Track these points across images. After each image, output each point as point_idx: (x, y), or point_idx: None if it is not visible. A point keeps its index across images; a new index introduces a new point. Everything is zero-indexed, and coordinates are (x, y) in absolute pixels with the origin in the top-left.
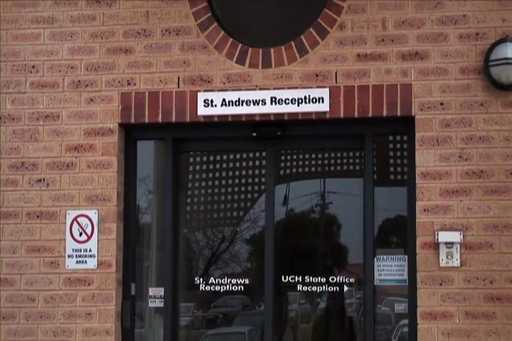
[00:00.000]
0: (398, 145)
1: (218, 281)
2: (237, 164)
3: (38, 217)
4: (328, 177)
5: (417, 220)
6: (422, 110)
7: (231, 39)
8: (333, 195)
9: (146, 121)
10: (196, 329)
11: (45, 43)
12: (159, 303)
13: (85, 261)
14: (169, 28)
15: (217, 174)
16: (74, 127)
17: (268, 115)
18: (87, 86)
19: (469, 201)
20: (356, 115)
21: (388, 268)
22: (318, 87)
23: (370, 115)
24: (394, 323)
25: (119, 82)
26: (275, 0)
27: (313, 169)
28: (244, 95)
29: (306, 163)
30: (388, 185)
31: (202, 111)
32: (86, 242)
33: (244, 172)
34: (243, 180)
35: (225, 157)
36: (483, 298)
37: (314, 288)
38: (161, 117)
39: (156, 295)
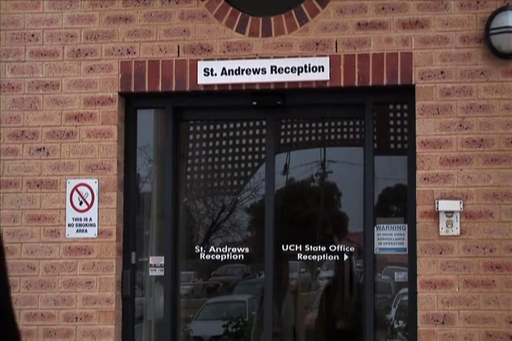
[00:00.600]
0: (398, 114)
1: (218, 250)
2: (237, 133)
3: (38, 186)
4: (328, 146)
5: (417, 189)
6: (422, 79)
7: (231, 7)
8: (333, 163)
9: (146, 89)
10: (196, 297)
11: (45, 12)
12: (159, 272)
13: (85, 230)
14: None
15: (217, 143)
16: (74, 96)
17: (268, 84)
18: (86, 54)
19: (469, 170)
20: (356, 84)
21: (388, 237)
22: (318, 55)
23: (370, 84)
24: (394, 292)
25: (119, 50)
26: None
27: (313, 138)
28: (245, 64)
29: (307, 131)
30: (388, 154)
31: (202, 80)
32: (86, 211)
33: (244, 141)
34: (243, 149)
35: (225, 126)
36: (483, 266)
37: (314, 257)
38: (161, 86)
39: (156, 264)
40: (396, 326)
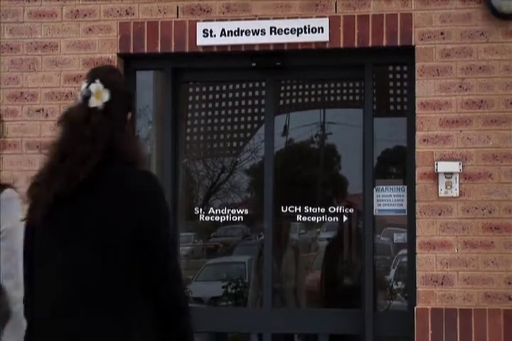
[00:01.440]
0: (398, 76)
1: (218, 211)
2: (237, 94)
3: (37, 147)
4: (327, 107)
5: (416, 150)
6: (422, 40)
7: None
8: (332, 125)
9: (145, 51)
10: (196, 258)
11: None
12: None
13: None
14: None
15: (216, 104)
16: (73, 57)
17: (267, 45)
18: (85, 15)
19: (469, 131)
20: (356, 45)
21: (387, 199)
22: (317, 16)
23: (370, 45)
24: (393, 253)
25: (118, 11)
26: None
27: (312, 99)
28: (244, 25)
29: (306, 93)
30: (388, 116)
31: (201, 41)
32: None
33: (243, 103)
34: (243, 111)
35: (224, 87)
36: (482, 227)
37: (314, 219)
38: (160, 47)
39: None
40: (395, 287)
